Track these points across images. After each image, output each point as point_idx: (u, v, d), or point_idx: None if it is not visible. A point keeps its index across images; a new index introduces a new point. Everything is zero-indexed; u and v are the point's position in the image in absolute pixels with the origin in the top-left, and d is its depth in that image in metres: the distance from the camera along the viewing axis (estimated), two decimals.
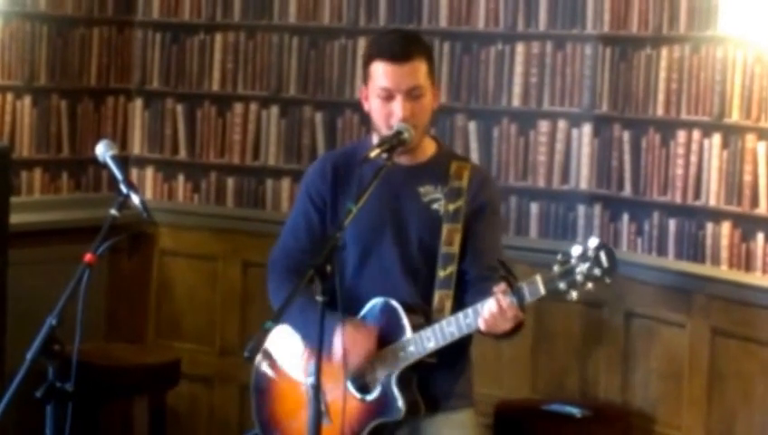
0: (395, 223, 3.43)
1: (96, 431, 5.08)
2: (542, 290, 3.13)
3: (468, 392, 3.53)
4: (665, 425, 4.67)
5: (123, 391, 5.13)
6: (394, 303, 3.37)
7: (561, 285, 3.11)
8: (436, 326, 3.29)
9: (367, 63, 3.43)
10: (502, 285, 3.17)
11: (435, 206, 3.43)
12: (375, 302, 3.40)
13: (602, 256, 3.07)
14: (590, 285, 3.10)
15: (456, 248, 3.38)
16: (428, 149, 3.50)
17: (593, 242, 3.09)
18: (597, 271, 3.08)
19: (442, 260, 3.38)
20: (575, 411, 4.60)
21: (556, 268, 3.11)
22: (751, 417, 4.35)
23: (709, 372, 4.48)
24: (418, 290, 3.39)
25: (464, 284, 3.42)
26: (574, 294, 3.11)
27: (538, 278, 3.14)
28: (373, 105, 3.41)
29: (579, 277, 3.09)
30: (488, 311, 3.18)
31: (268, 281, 3.59)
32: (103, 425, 5.13)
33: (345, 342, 3.28)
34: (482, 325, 3.21)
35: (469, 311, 3.24)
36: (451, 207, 3.41)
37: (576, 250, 3.10)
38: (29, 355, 2.82)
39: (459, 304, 3.36)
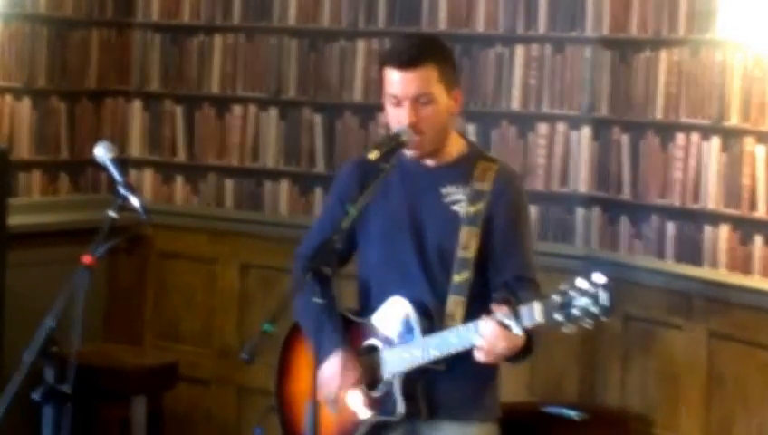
0: (414, 223, 3.41)
1: (94, 433, 5.08)
2: (539, 317, 3.10)
3: (489, 404, 3.47)
4: (663, 428, 4.67)
5: (121, 393, 5.13)
6: (407, 305, 3.36)
7: (558, 317, 3.07)
8: (444, 335, 3.27)
9: (380, 67, 3.43)
10: (501, 306, 3.16)
11: (455, 207, 3.39)
12: (390, 301, 3.39)
13: (602, 293, 3.03)
14: (587, 321, 3.05)
15: (471, 253, 3.34)
16: (456, 149, 3.45)
17: (598, 278, 3.05)
18: (594, 308, 3.03)
19: (457, 265, 3.34)
20: (573, 414, 4.60)
21: (556, 298, 3.07)
22: (749, 420, 4.35)
23: (707, 374, 4.48)
24: (435, 292, 3.37)
25: (489, 292, 3.37)
26: (570, 328, 3.07)
27: (536, 305, 3.10)
28: (387, 109, 3.40)
29: (575, 311, 3.05)
30: (484, 332, 3.16)
31: (293, 272, 3.60)
32: (101, 427, 5.13)
33: (325, 371, 3.29)
34: (479, 354, 3.18)
35: (470, 325, 3.22)
36: (472, 209, 3.37)
37: (580, 283, 3.05)
38: (27, 357, 2.82)
39: (480, 307, 3.33)
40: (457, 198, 3.40)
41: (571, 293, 3.05)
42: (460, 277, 3.34)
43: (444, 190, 3.41)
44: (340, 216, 3.47)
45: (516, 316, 3.12)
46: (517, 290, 3.31)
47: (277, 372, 3.62)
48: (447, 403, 3.39)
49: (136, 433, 5.14)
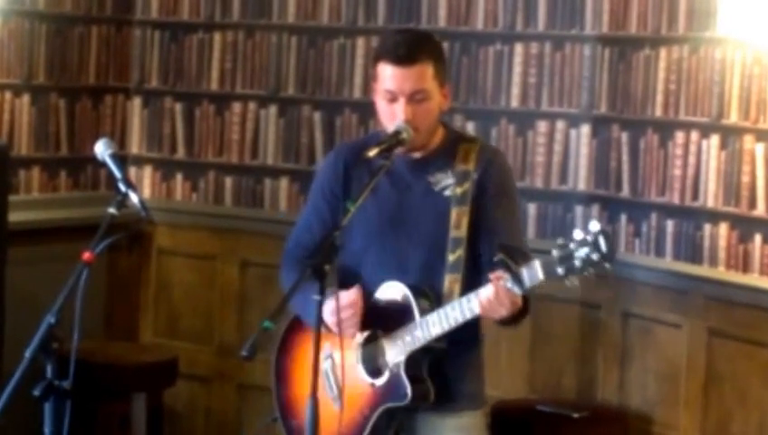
0: (408, 217, 3.42)
1: (94, 430, 5.08)
2: (541, 275, 3.09)
3: (479, 393, 3.51)
4: (662, 426, 4.67)
5: (121, 389, 5.14)
6: (404, 286, 3.36)
7: (560, 270, 3.05)
8: (441, 311, 3.28)
9: (374, 62, 3.42)
10: (498, 271, 3.17)
11: (447, 192, 3.41)
12: (384, 287, 3.40)
13: (601, 240, 3.01)
14: (590, 270, 3.04)
15: (463, 232, 3.36)
16: (438, 137, 3.48)
17: (593, 226, 3.04)
18: (595, 256, 3.02)
19: (451, 244, 3.36)
20: (572, 412, 4.60)
21: (555, 252, 3.07)
22: (747, 417, 4.36)
23: (706, 372, 4.49)
24: (432, 278, 3.37)
25: (482, 266, 3.38)
26: (574, 280, 3.06)
27: (536, 263, 3.10)
28: (379, 105, 3.41)
29: (577, 262, 3.03)
30: (485, 295, 3.18)
31: (281, 271, 3.60)
32: (101, 423, 5.13)
33: (333, 311, 3.26)
34: (478, 309, 3.21)
35: (471, 295, 3.23)
36: (459, 190, 3.39)
37: (576, 234, 3.05)
38: (28, 353, 2.82)
39: (475, 285, 3.34)
40: (447, 184, 3.42)
41: (571, 245, 3.04)
42: (454, 256, 3.36)
43: (432, 179, 3.43)
44: (326, 212, 3.49)
45: (518, 279, 3.13)
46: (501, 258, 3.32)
47: (276, 379, 3.62)
48: (452, 392, 3.40)
49: (136, 430, 5.14)
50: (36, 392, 2.84)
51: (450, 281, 3.35)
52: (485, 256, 3.38)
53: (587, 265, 3.04)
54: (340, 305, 3.29)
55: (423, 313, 3.33)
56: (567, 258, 3.05)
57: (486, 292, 3.18)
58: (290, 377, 3.59)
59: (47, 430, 2.87)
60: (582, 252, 3.03)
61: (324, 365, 3.43)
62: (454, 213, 3.38)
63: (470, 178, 3.40)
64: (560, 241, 3.07)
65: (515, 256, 3.23)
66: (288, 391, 3.60)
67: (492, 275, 3.16)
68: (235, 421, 5.57)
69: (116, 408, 5.17)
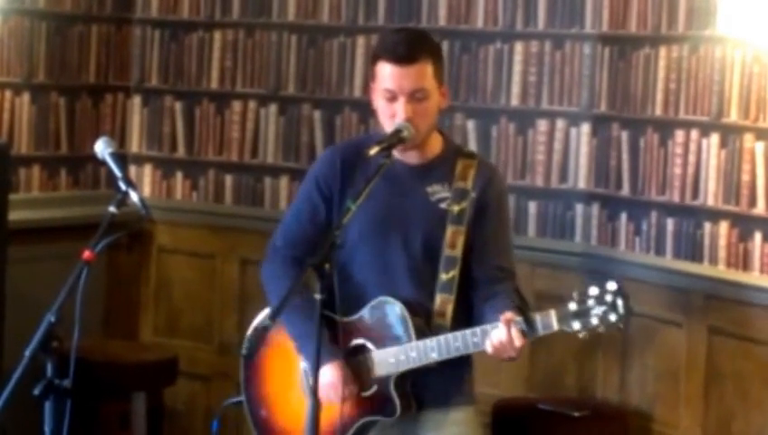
0: (401, 222, 3.42)
1: (94, 428, 5.08)
2: (556, 326, 3.16)
3: (468, 390, 3.52)
4: (662, 424, 4.67)
5: (121, 388, 5.14)
6: (400, 306, 3.36)
7: (575, 325, 3.14)
8: (442, 339, 3.28)
9: (373, 61, 3.42)
10: (509, 313, 3.18)
11: (443, 204, 3.41)
12: (379, 301, 3.39)
13: (619, 302, 3.12)
14: (602, 328, 3.13)
15: (458, 252, 3.37)
16: (436, 146, 3.47)
17: (611, 286, 3.12)
18: (612, 316, 3.12)
19: (444, 263, 3.37)
20: (573, 410, 4.60)
21: (572, 306, 3.14)
22: (748, 416, 4.36)
23: (706, 371, 4.49)
24: (421, 291, 3.38)
25: (472, 283, 3.40)
26: (584, 334, 3.15)
27: (552, 313, 3.16)
28: (378, 104, 3.40)
29: (593, 320, 3.12)
30: (497, 337, 3.18)
31: (264, 264, 3.58)
32: (101, 422, 5.13)
33: (322, 379, 3.23)
34: (488, 348, 3.22)
35: (477, 331, 3.24)
36: (456, 208, 3.39)
37: (593, 291, 3.12)
38: (28, 352, 2.82)
39: (466, 305, 3.36)
40: (443, 196, 3.43)
41: (589, 302, 3.12)
42: (448, 276, 3.36)
43: (429, 189, 3.43)
44: (320, 206, 3.48)
45: (530, 324, 3.16)
46: (498, 282, 3.38)
47: (245, 368, 3.61)
48: (437, 393, 3.42)
49: (136, 428, 5.14)
50: (36, 391, 2.84)
51: (442, 300, 3.35)
52: (476, 272, 3.40)
53: (602, 324, 3.13)
54: (329, 387, 3.30)
55: (418, 332, 3.33)
56: (583, 314, 3.13)
57: (498, 334, 3.19)
58: (263, 369, 3.58)
59: (47, 429, 2.87)
60: (599, 310, 3.13)
61: (303, 364, 3.43)
62: (449, 231, 3.39)
63: (468, 197, 3.40)
64: (575, 295, 3.14)
65: (503, 284, 3.29)
66: (260, 381, 3.59)
67: (503, 318, 3.18)
68: (235, 420, 5.56)
69: (116, 407, 5.17)
